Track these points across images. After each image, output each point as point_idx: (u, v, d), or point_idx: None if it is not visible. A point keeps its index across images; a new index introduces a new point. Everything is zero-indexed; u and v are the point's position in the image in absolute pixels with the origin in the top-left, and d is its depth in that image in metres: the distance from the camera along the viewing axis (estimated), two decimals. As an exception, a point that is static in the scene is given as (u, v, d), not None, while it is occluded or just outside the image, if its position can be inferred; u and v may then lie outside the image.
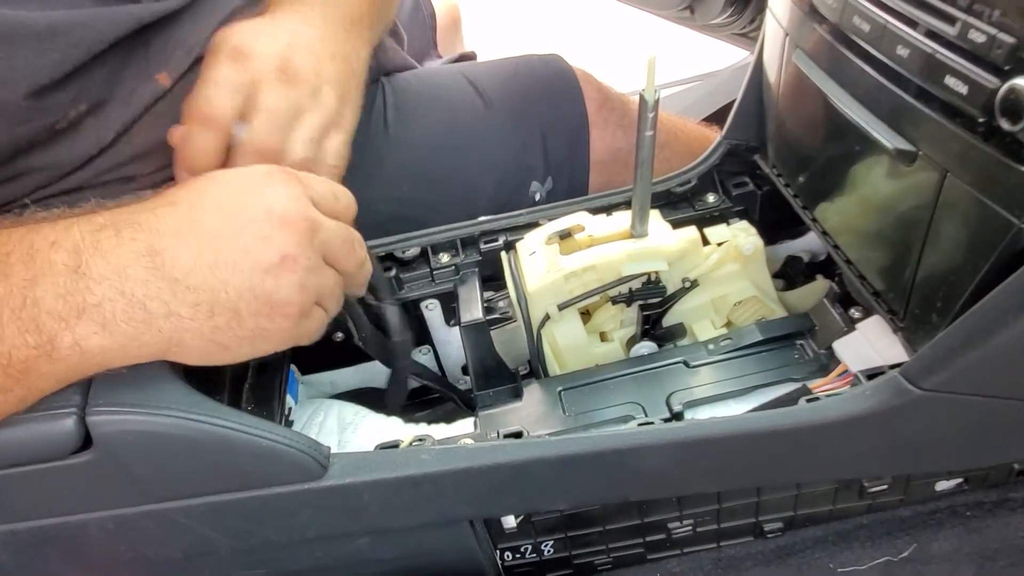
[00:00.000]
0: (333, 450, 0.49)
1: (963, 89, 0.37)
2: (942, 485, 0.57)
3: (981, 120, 0.37)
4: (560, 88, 0.75)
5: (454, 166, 0.72)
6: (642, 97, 0.52)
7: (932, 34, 0.39)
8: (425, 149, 0.73)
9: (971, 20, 0.36)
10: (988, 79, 0.36)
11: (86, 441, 0.43)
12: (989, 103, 0.36)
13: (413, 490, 0.48)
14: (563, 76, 0.76)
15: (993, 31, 0.35)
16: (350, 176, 0.73)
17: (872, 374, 0.49)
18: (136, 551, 0.49)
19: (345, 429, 0.63)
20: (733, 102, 0.67)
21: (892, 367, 0.50)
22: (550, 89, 0.75)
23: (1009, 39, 0.34)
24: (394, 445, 0.51)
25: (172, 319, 0.40)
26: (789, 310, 0.66)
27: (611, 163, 0.75)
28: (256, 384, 0.56)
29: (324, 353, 0.69)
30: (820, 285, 0.66)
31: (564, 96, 0.75)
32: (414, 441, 0.50)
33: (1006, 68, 0.35)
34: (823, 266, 0.71)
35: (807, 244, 0.72)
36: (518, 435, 0.50)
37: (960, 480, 0.57)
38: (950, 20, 0.37)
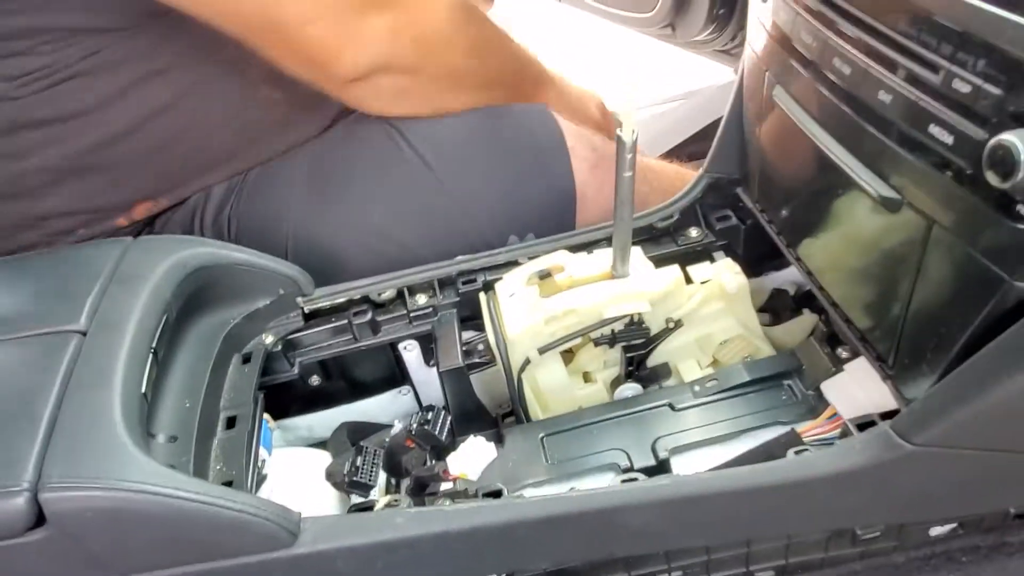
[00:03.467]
0: (309, 502, 0.47)
1: (948, 139, 0.36)
2: (936, 530, 0.56)
3: (968, 172, 0.35)
4: (548, 151, 0.73)
5: (429, 207, 0.70)
6: (619, 139, 0.50)
7: (916, 81, 0.38)
8: (403, 184, 0.71)
9: (955, 69, 0.35)
10: (974, 131, 0.34)
11: (39, 518, 0.40)
12: (976, 155, 0.34)
13: (388, 555, 0.46)
14: (551, 138, 0.73)
15: (979, 81, 0.34)
16: (329, 196, 0.71)
17: (862, 423, 0.47)
18: (97, 625, 0.47)
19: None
20: (717, 121, 0.66)
21: (882, 415, 0.48)
22: (537, 151, 0.73)
23: (995, 90, 0.33)
24: (368, 507, 0.49)
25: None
26: (776, 346, 0.64)
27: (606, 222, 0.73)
28: (226, 439, 0.54)
29: (300, 398, 0.67)
30: (807, 320, 0.65)
31: (552, 159, 0.72)
32: (388, 503, 0.48)
33: (993, 120, 0.33)
34: (809, 298, 0.69)
35: (793, 275, 0.70)
36: (497, 494, 0.48)
37: (955, 525, 0.56)
38: (933, 68, 0.36)
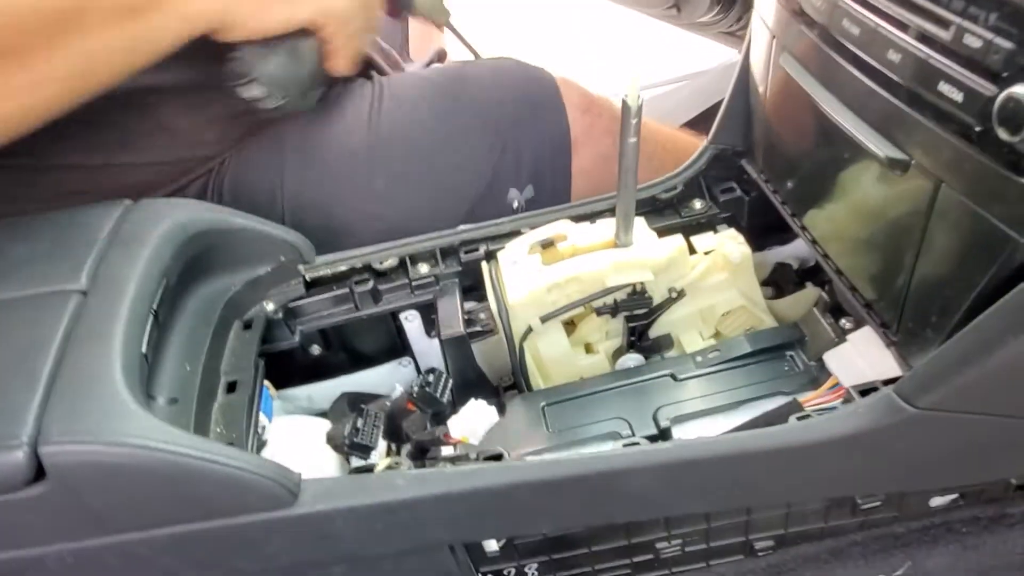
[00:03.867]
0: (308, 469, 0.47)
1: (958, 96, 0.35)
2: (937, 501, 0.56)
3: (978, 129, 0.35)
4: (540, 97, 0.73)
5: (429, 166, 0.70)
6: (624, 103, 0.50)
7: (925, 38, 0.37)
8: (401, 147, 0.71)
9: (966, 24, 0.34)
10: (984, 86, 0.34)
11: (39, 473, 0.40)
12: (986, 111, 0.34)
13: (388, 517, 0.46)
14: (543, 84, 0.74)
15: (989, 35, 0.33)
16: (321, 176, 0.71)
17: (864, 390, 0.47)
18: (97, 584, 0.47)
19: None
20: (721, 102, 0.65)
21: (884, 382, 0.48)
22: (529, 98, 0.73)
23: (1007, 44, 0.33)
24: (368, 469, 0.49)
25: None
26: (778, 319, 0.64)
27: (597, 171, 0.73)
28: (226, 403, 0.54)
29: (300, 367, 0.67)
30: (810, 293, 0.65)
31: (544, 105, 0.73)
32: (389, 465, 0.48)
33: (1004, 75, 0.33)
34: (813, 272, 0.69)
35: (796, 250, 0.70)
36: (498, 457, 0.48)
37: (955, 496, 0.56)
38: (944, 24, 0.36)
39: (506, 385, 0.66)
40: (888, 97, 0.40)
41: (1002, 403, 0.42)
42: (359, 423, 0.50)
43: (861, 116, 0.43)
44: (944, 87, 0.36)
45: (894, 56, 0.39)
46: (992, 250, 0.36)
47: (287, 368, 0.66)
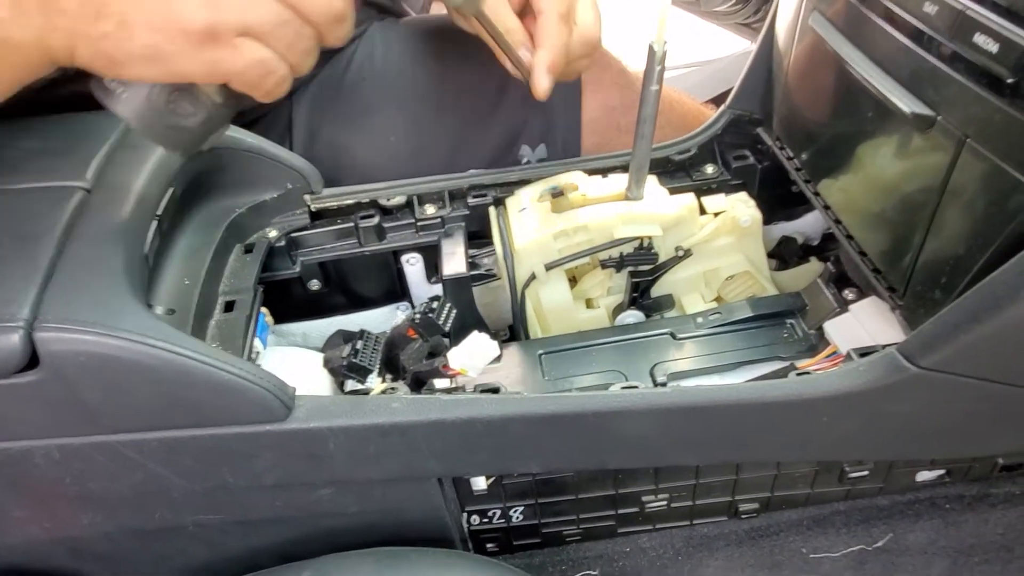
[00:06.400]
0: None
1: (993, 47, 0.35)
2: (923, 475, 0.56)
3: (1010, 81, 0.35)
4: None
5: (441, 120, 0.69)
6: (650, 48, 0.49)
7: (963, -11, 0.37)
8: (413, 100, 0.70)
9: (1008, -27, 0.34)
10: (1021, 35, 0.34)
11: (33, 359, 0.40)
12: (1020, 63, 0.34)
13: (381, 440, 0.45)
14: None
15: (1031, -15, 0.33)
16: (333, 120, 0.70)
17: (864, 352, 0.47)
18: (83, 485, 0.46)
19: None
20: (731, 90, 0.65)
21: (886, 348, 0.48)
22: None
23: (1048, -7, 0.33)
24: (364, 392, 0.48)
25: (51, 11, 0.35)
26: (781, 290, 0.64)
27: (604, 122, 0.73)
28: (223, 321, 0.53)
29: (298, 301, 0.66)
30: (814, 267, 0.65)
31: None
32: (384, 390, 0.47)
33: (1042, 24, 0.33)
34: (817, 249, 0.69)
35: (802, 226, 0.70)
36: (495, 391, 0.47)
37: (942, 471, 0.56)
38: (985, -27, 0.35)
39: (503, 339, 0.66)
40: (919, 52, 0.40)
41: (1004, 368, 0.42)
42: (359, 345, 0.49)
43: (890, 73, 0.43)
44: (979, 38, 0.36)
45: (930, 8, 0.39)
46: (1012, 207, 0.36)
47: (284, 302, 0.65)
